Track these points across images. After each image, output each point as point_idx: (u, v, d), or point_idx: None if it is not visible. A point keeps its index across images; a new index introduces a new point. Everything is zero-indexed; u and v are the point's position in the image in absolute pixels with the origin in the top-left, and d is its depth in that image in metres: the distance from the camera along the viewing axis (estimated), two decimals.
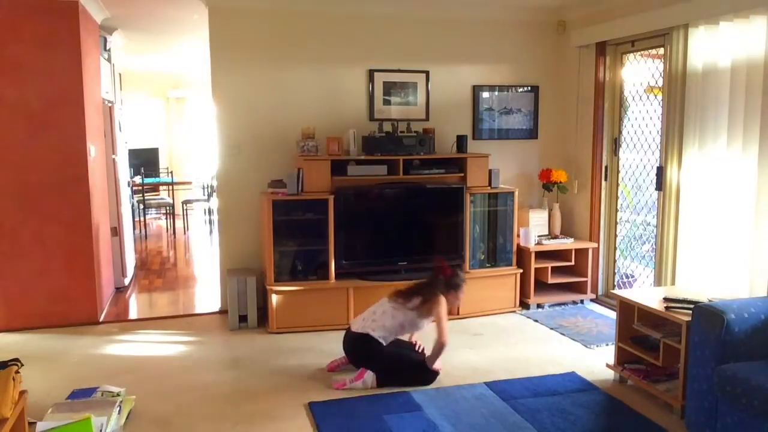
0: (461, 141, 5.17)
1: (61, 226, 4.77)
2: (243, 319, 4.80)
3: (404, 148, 4.92)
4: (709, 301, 3.21)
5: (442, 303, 3.77)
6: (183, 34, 6.63)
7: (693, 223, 4.17)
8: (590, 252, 5.35)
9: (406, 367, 3.77)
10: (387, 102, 5.32)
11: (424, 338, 4.02)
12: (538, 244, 5.32)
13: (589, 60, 5.33)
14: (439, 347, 3.71)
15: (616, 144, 5.30)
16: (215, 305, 5.33)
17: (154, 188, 10.06)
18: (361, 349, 3.80)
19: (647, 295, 3.70)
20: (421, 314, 3.80)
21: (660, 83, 4.73)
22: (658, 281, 4.46)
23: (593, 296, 5.43)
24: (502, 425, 3.20)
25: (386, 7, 5.19)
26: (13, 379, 2.53)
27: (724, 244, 3.94)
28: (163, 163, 10.70)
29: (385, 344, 3.78)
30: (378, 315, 3.84)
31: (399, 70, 5.33)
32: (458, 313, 4.95)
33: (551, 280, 5.28)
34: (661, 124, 4.53)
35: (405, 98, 5.37)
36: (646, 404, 3.44)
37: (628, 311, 3.68)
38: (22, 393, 2.62)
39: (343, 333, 3.97)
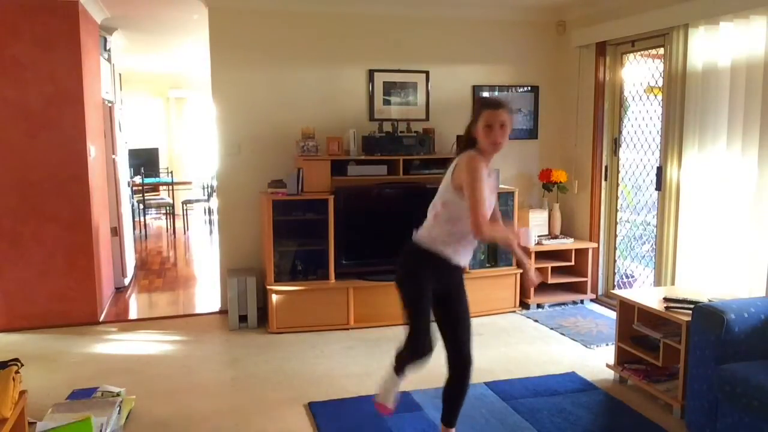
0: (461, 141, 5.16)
1: (61, 226, 4.77)
2: (243, 319, 4.80)
3: (404, 148, 4.92)
4: (709, 301, 3.21)
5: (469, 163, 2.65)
6: (183, 35, 6.63)
7: (693, 223, 4.17)
8: (590, 252, 5.35)
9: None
10: (387, 102, 5.32)
11: None
12: (538, 244, 5.32)
13: (589, 60, 5.33)
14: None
15: (616, 144, 5.30)
16: (215, 305, 5.33)
17: (154, 188, 10.06)
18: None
19: (647, 295, 3.70)
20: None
21: (660, 83, 4.73)
22: (658, 281, 4.46)
23: (593, 296, 5.43)
24: (502, 425, 3.20)
25: (386, 7, 5.19)
26: (13, 379, 2.53)
27: (723, 244, 3.93)
28: (163, 163, 10.69)
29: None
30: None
31: (399, 70, 5.33)
32: None
33: (551, 280, 5.28)
34: (661, 124, 4.53)
35: (405, 98, 5.37)
36: (646, 404, 3.44)
37: (628, 311, 3.68)
38: (22, 393, 2.62)
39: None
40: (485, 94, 5.55)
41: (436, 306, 2.81)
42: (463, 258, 2.79)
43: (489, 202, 2.70)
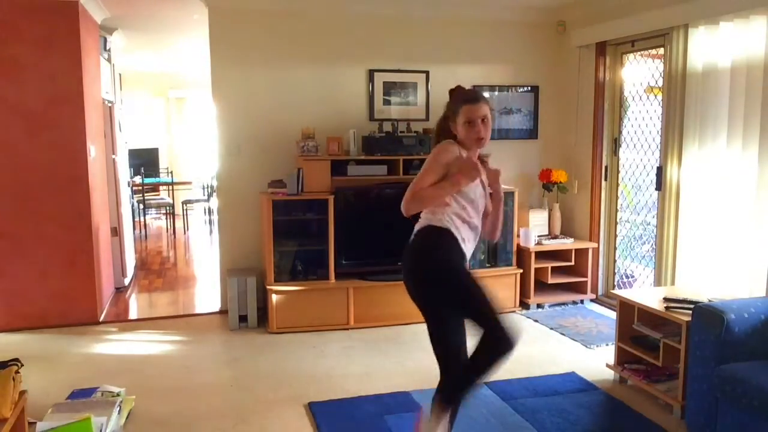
0: None
1: (61, 226, 4.76)
2: (243, 319, 4.80)
3: (404, 148, 4.92)
4: (709, 301, 3.21)
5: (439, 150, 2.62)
6: (183, 34, 6.63)
7: (693, 223, 4.17)
8: (590, 252, 5.35)
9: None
10: (387, 102, 5.32)
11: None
12: (538, 244, 5.32)
13: (589, 60, 5.33)
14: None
15: (616, 144, 5.30)
16: (215, 305, 5.33)
17: (154, 188, 10.06)
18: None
19: (647, 295, 3.70)
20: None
21: (660, 83, 4.73)
22: (658, 281, 4.46)
23: (593, 296, 5.43)
24: (502, 425, 3.20)
25: (386, 7, 5.19)
26: (13, 379, 2.53)
27: (724, 244, 3.93)
28: (163, 163, 10.70)
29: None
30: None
31: (399, 70, 5.33)
32: None
33: (551, 280, 5.28)
34: (661, 124, 4.53)
35: (405, 98, 5.37)
36: (646, 404, 3.44)
37: (628, 311, 3.68)
38: (22, 393, 2.62)
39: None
40: (485, 95, 5.56)
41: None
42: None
43: (480, 202, 2.63)
